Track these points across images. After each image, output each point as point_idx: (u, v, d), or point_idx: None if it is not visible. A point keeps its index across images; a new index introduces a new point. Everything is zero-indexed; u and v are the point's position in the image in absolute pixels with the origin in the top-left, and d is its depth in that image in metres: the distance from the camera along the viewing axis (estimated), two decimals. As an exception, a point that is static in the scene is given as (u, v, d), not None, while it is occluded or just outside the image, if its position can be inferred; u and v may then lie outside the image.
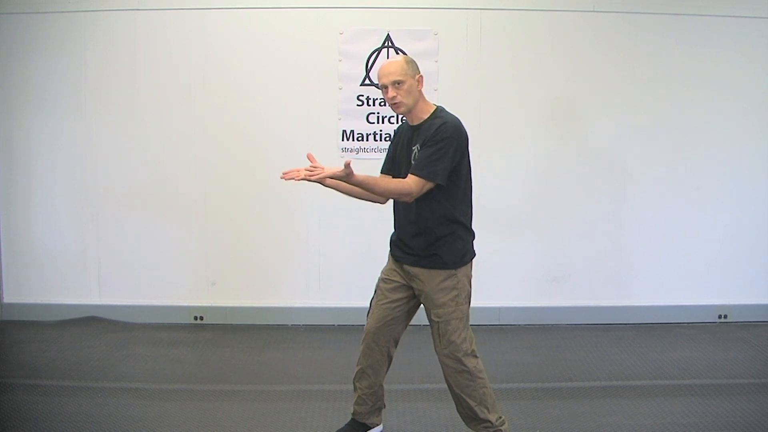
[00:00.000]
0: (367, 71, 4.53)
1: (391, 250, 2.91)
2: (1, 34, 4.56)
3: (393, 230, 2.91)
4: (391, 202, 2.85)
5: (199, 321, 4.67)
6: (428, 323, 2.81)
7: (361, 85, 4.54)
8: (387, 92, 2.70)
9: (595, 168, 4.66)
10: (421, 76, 2.75)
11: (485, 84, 4.57)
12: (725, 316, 4.74)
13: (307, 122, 4.57)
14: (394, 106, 2.72)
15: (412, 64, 2.73)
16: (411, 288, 2.83)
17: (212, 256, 4.68)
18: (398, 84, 2.67)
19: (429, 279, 2.74)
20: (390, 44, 4.50)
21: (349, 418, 3.03)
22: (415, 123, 2.76)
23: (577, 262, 4.70)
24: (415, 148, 2.71)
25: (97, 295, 4.71)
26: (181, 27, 4.52)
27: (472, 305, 2.82)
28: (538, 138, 4.64)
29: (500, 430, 2.77)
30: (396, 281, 2.86)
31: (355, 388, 2.97)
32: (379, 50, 4.51)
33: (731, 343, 4.34)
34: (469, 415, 2.79)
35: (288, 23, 4.53)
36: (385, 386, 3.00)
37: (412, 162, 2.70)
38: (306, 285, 4.67)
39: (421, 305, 2.86)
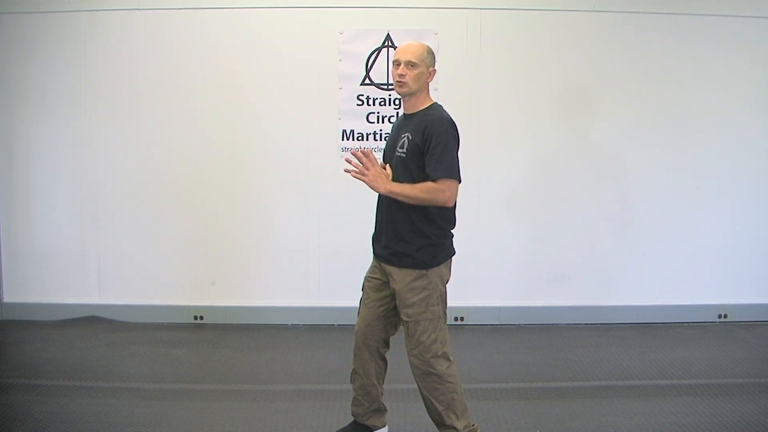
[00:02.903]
0: (367, 71, 4.53)
1: (372, 248, 2.92)
2: (1, 34, 4.56)
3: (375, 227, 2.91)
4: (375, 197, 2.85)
5: (199, 321, 4.68)
6: None
7: (361, 84, 4.54)
8: (397, 68, 2.74)
9: (595, 168, 4.67)
10: (434, 70, 2.80)
11: (485, 84, 4.57)
12: (725, 316, 4.74)
13: (307, 122, 4.58)
14: (399, 84, 2.75)
15: (431, 55, 2.78)
16: None
17: (212, 256, 4.68)
18: (411, 65, 2.71)
19: (400, 278, 2.74)
20: (390, 44, 4.50)
21: (348, 417, 3.03)
22: (410, 112, 2.79)
23: (577, 261, 4.70)
24: (405, 136, 2.73)
25: (97, 295, 4.71)
26: (181, 27, 4.53)
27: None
28: (538, 138, 4.64)
29: None
30: (378, 278, 2.87)
31: (353, 389, 2.98)
32: (379, 50, 4.51)
33: (731, 343, 4.34)
34: (436, 419, 2.77)
35: (288, 23, 4.53)
36: (385, 386, 3.00)
37: (398, 149, 2.73)
38: (306, 285, 4.67)
39: None
